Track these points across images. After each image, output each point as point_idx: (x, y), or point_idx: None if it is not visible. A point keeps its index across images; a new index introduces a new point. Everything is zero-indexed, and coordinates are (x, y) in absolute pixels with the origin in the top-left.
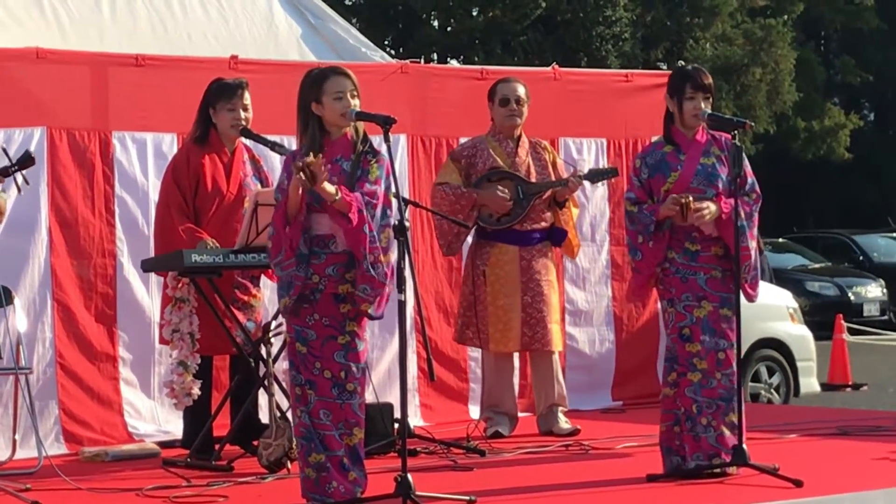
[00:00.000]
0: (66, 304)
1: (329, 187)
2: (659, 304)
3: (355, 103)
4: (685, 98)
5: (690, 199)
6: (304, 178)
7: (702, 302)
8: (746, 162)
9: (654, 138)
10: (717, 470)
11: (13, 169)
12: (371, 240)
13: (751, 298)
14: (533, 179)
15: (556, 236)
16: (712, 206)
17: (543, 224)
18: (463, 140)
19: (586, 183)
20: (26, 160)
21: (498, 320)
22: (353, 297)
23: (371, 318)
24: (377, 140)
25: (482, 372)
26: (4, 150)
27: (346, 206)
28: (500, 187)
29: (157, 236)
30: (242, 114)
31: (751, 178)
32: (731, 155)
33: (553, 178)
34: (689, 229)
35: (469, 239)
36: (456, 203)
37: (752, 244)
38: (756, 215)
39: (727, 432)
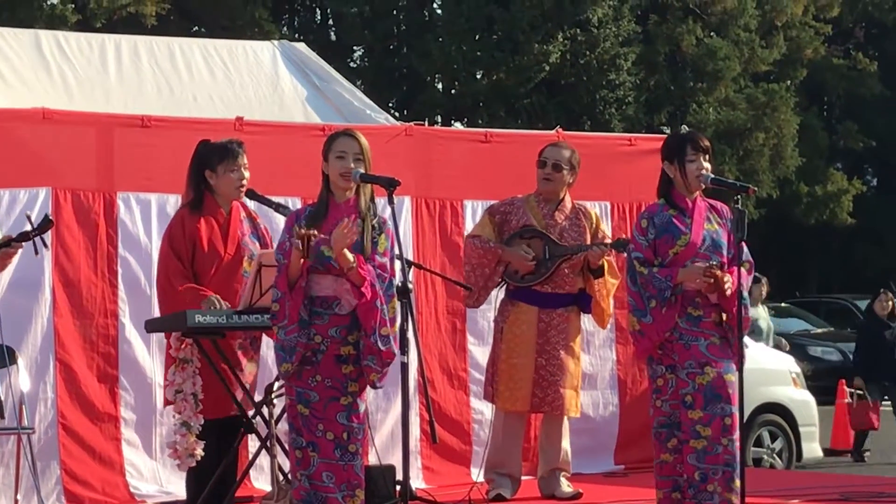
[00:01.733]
0: (69, 363)
1: (349, 255)
2: (649, 367)
3: (358, 167)
4: (687, 160)
5: (719, 271)
6: (298, 247)
7: (705, 368)
8: None
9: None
10: None
11: (33, 234)
12: (382, 313)
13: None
14: (565, 243)
15: (583, 302)
16: (730, 278)
17: (569, 289)
18: (467, 202)
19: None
20: (45, 225)
21: (510, 378)
22: (354, 358)
23: (374, 387)
24: (380, 203)
25: (491, 430)
26: (28, 217)
27: (360, 279)
28: (525, 246)
29: (161, 304)
30: (245, 173)
31: (745, 248)
32: (735, 219)
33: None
34: (692, 294)
35: (500, 295)
36: (484, 256)
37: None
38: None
39: (734, 500)
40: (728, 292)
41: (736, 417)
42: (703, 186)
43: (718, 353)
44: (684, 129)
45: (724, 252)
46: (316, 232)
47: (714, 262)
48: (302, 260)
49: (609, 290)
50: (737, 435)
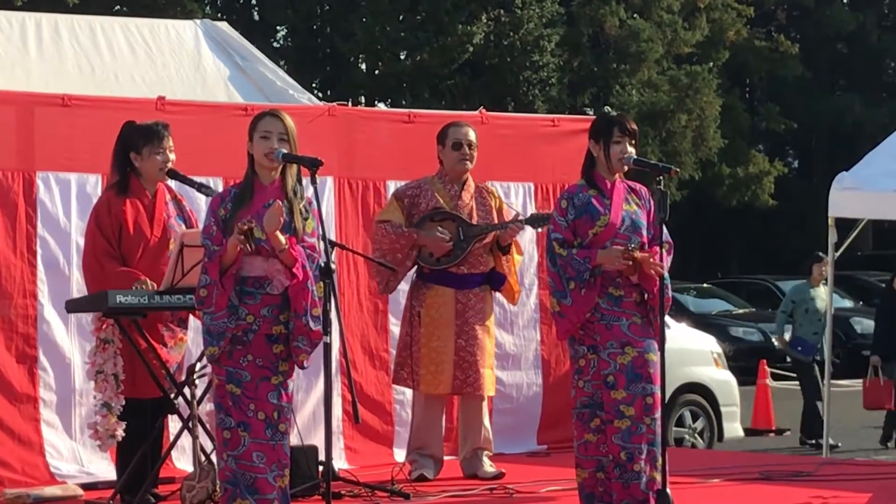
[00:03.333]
0: None
1: (281, 237)
2: (571, 348)
3: (282, 147)
4: (612, 142)
5: (638, 252)
6: (243, 241)
7: (625, 348)
8: None
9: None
10: None
11: None
12: (313, 294)
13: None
14: (475, 222)
15: (495, 281)
16: (657, 258)
17: (482, 269)
18: (390, 183)
19: (527, 227)
20: None
21: (430, 362)
22: (285, 337)
23: (302, 368)
24: (304, 183)
25: (411, 413)
26: None
27: (291, 260)
28: (440, 228)
29: (90, 283)
30: (169, 155)
31: (665, 229)
32: (657, 200)
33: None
34: (612, 274)
35: (409, 279)
36: (396, 242)
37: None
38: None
39: (657, 477)
40: (660, 270)
41: (658, 397)
42: (626, 169)
43: (640, 332)
44: (608, 109)
45: (644, 232)
46: (254, 223)
47: (633, 244)
48: (239, 249)
49: (515, 266)
50: (659, 414)
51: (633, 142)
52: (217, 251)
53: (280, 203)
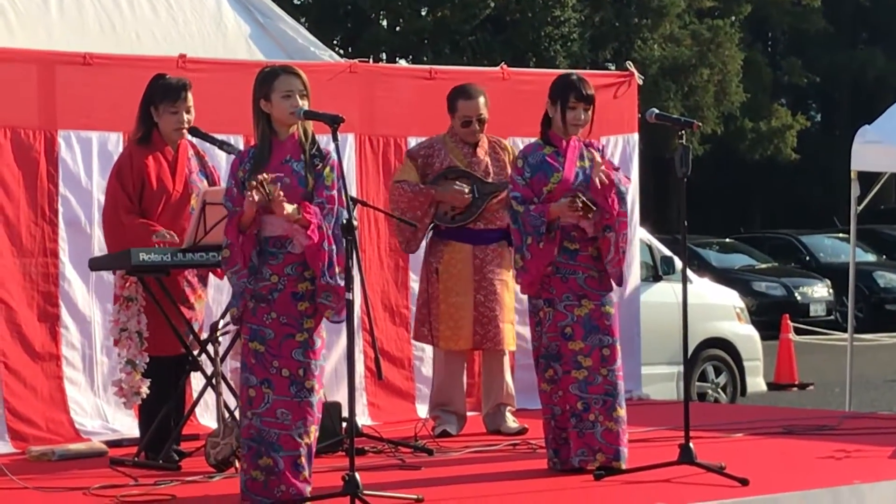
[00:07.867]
0: (8, 302)
1: (289, 208)
2: (529, 302)
3: (304, 103)
4: (568, 107)
5: (582, 198)
6: (260, 196)
7: (582, 301)
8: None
9: (533, 139)
10: (600, 467)
11: None
12: (330, 253)
13: (616, 283)
14: (490, 179)
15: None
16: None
17: (499, 223)
18: (411, 139)
19: None
20: None
21: (450, 318)
22: (311, 294)
23: (334, 322)
24: (324, 140)
25: (433, 370)
26: None
27: (306, 223)
28: (457, 183)
29: (109, 238)
30: (185, 116)
31: (623, 187)
32: (679, 155)
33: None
34: (568, 229)
35: (426, 237)
36: (414, 199)
37: (624, 246)
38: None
39: (614, 427)
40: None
41: (616, 348)
42: (579, 132)
43: (597, 286)
44: (629, 65)
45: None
46: (267, 178)
47: (586, 198)
48: (257, 209)
49: None
50: (617, 365)
51: (589, 107)
52: (236, 212)
53: (274, 185)
